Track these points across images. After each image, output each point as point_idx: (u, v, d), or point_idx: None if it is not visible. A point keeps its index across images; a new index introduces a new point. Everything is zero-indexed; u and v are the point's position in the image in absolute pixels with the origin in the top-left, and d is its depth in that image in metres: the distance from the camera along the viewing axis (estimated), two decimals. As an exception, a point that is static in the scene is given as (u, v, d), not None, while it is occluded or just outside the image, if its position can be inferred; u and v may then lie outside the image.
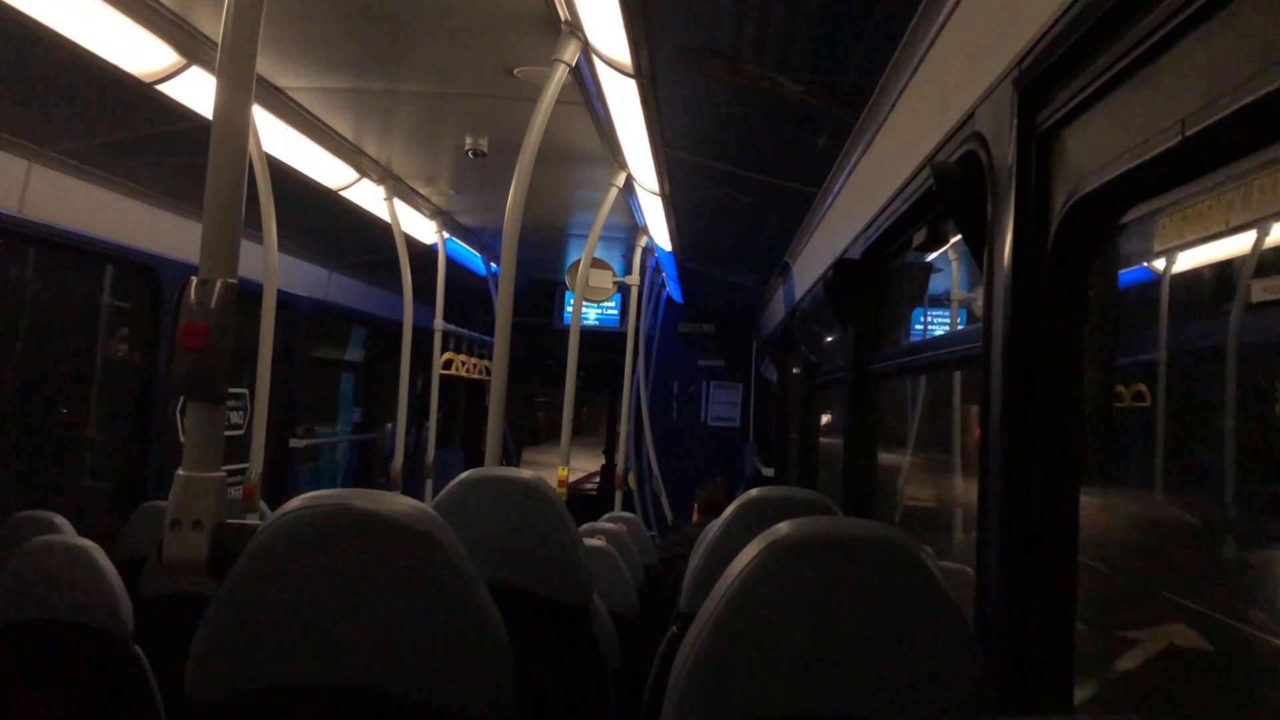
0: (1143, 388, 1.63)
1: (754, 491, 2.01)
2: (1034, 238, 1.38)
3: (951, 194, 1.64)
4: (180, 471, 1.46)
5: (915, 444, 3.51)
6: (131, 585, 2.47)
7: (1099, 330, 1.38)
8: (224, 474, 1.48)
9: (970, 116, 1.65)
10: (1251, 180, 1.01)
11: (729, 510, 2.01)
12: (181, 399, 4.49)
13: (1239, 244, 1.12)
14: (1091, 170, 1.22)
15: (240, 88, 1.56)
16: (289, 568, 1.15)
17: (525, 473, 1.92)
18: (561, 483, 4.53)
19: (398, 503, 1.18)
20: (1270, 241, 1.07)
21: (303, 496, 1.18)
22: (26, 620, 2.27)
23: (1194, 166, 1.04)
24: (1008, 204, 1.43)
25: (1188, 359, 1.58)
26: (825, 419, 4.74)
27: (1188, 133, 0.96)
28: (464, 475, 1.90)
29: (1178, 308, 1.36)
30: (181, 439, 4.55)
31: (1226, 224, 1.08)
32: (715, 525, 2.04)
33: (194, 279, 1.49)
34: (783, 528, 1.08)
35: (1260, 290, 1.04)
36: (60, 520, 2.95)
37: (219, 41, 1.56)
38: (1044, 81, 1.34)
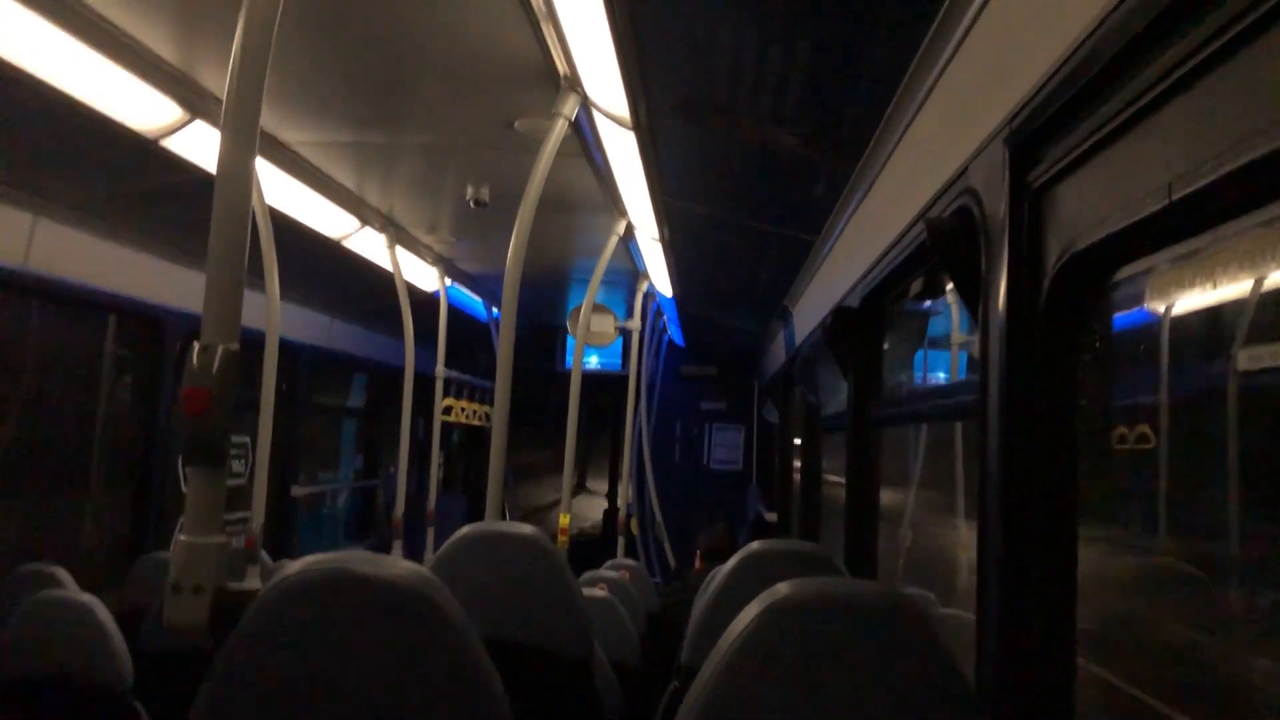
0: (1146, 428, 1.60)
1: (755, 545, 2.01)
2: (1028, 293, 1.39)
3: (945, 248, 1.66)
4: (181, 537, 1.46)
5: (919, 487, 3.50)
6: (131, 637, 2.46)
7: (1094, 383, 1.38)
8: (225, 539, 1.48)
9: (964, 172, 1.67)
10: (1238, 244, 1.02)
11: (731, 563, 2.01)
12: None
13: (1229, 307, 1.13)
14: (1084, 228, 1.24)
15: (244, 143, 1.57)
16: (288, 632, 1.15)
17: (524, 527, 1.92)
18: (562, 530, 4.52)
19: (395, 566, 1.19)
20: (1257, 308, 1.08)
21: (302, 560, 1.19)
22: (28, 675, 2.25)
23: (1181, 229, 1.05)
24: (1001, 259, 1.44)
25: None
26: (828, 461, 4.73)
27: (1174, 196, 0.97)
28: (462, 531, 1.90)
29: (1173, 363, 1.37)
30: (184, 489, 4.55)
31: (1214, 285, 1.09)
32: (717, 577, 2.04)
33: (196, 345, 1.49)
34: (782, 589, 1.09)
35: (1246, 359, 1.05)
36: (62, 574, 2.94)
37: (223, 97, 1.56)
38: (1035, 140, 1.35)
